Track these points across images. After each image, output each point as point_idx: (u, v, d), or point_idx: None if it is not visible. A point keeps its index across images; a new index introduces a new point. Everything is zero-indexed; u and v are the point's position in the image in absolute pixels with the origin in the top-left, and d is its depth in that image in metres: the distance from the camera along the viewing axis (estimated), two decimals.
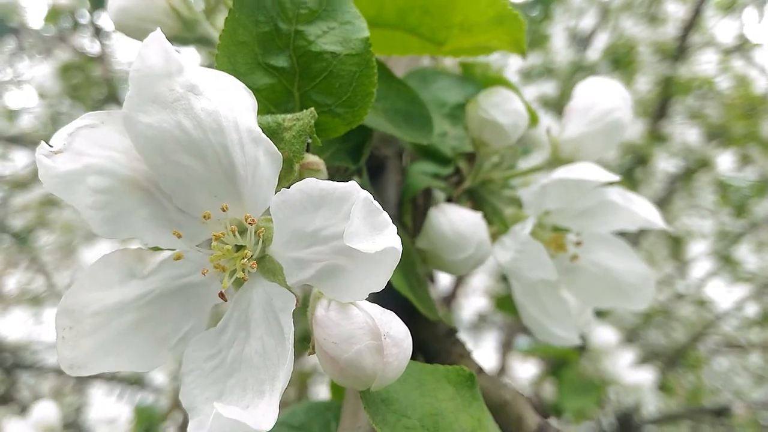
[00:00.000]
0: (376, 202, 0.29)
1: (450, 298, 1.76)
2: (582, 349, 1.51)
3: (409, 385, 0.36)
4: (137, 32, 0.47)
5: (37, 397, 2.32)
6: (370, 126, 0.46)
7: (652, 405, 2.00)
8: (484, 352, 2.40)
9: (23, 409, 2.20)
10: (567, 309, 0.52)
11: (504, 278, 1.55)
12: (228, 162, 0.32)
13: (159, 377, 2.09)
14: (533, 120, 0.58)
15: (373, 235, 0.29)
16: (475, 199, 0.56)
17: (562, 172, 0.49)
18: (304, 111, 0.36)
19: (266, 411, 0.30)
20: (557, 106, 2.27)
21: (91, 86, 2.12)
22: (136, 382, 2.18)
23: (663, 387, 2.25)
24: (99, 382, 2.28)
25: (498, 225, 0.54)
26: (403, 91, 0.50)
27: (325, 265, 0.31)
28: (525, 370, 2.03)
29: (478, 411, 0.38)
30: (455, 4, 0.48)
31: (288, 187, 0.31)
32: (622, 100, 0.53)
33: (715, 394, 2.46)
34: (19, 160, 2.35)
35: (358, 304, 0.32)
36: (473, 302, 2.31)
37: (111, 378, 2.20)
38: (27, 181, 2.22)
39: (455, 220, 0.49)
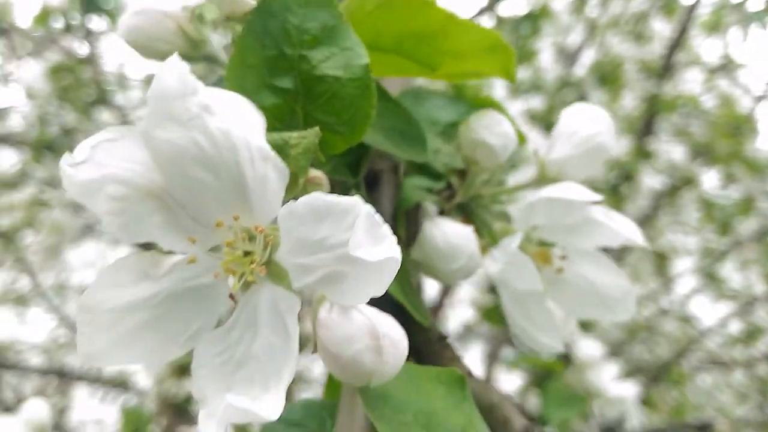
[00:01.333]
0: (377, 215, 0.32)
1: (437, 309, 1.78)
2: (567, 360, 1.53)
3: (404, 384, 0.39)
4: (147, 50, 0.50)
5: (21, 397, 2.30)
6: (369, 143, 0.49)
7: (636, 419, 2.02)
8: (470, 363, 2.40)
9: (6, 409, 2.18)
10: (552, 318, 0.54)
11: (492, 290, 1.56)
12: (240, 177, 0.34)
13: (142, 380, 2.07)
14: (521, 140, 0.61)
15: (374, 245, 0.32)
16: (466, 213, 0.60)
17: (548, 191, 0.52)
18: (309, 130, 0.39)
19: (272, 403, 0.32)
20: (544, 119, 2.30)
21: (81, 88, 2.13)
22: (120, 384, 2.17)
23: (647, 402, 2.27)
24: (82, 383, 2.27)
25: (487, 238, 0.56)
26: (399, 112, 0.53)
27: (329, 271, 0.33)
28: (510, 382, 2.04)
29: (468, 410, 0.40)
30: (447, 33, 0.51)
31: (294, 200, 0.34)
32: (605, 125, 0.56)
33: (698, 410, 2.46)
34: (6, 159, 2.33)
35: (358, 307, 0.35)
36: (460, 313, 2.31)
37: (95, 380, 2.19)
38: (14, 181, 2.21)
39: (448, 233, 0.52)
